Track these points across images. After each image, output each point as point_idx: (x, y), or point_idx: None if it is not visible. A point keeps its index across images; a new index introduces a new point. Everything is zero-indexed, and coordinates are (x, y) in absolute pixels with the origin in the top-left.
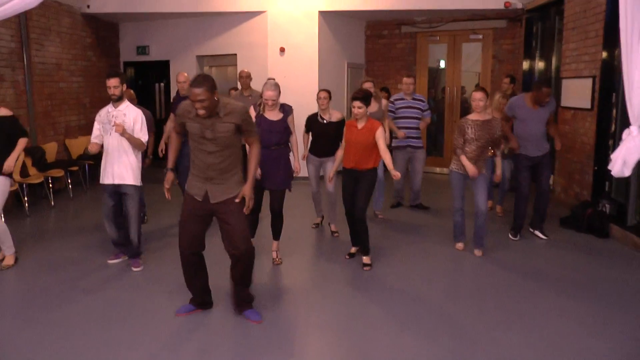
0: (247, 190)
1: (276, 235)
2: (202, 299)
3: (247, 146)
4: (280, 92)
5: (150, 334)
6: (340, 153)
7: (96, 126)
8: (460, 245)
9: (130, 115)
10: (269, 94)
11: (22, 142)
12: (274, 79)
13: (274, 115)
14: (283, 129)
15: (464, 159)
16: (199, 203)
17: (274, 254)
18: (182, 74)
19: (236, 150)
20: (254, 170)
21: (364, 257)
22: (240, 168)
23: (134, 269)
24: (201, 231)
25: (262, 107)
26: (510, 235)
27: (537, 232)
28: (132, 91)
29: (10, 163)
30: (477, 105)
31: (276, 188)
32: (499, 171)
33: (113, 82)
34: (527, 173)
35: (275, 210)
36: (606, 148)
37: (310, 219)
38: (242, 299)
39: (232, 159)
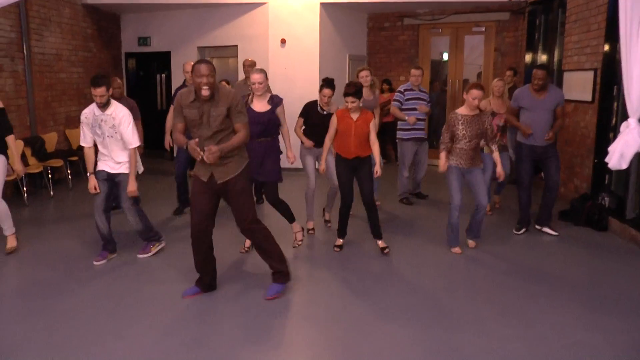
0: (214, 147)
1: (289, 219)
2: (208, 281)
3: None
4: (267, 77)
5: (141, 325)
6: (328, 143)
7: (84, 130)
8: (457, 250)
9: (118, 117)
10: (255, 77)
11: (12, 139)
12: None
13: (261, 106)
14: (267, 121)
15: (443, 155)
16: (206, 185)
17: (294, 235)
18: (189, 63)
19: (229, 133)
20: (230, 145)
21: (379, 242)
22: (242, 149)
23: (140, 256)
24: (210, 209)
25: (250, 97)
26: (514, 230)
27: (546, 229)
28: (119, 80)
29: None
30: (472, 103)
31: (266, 180)
32: (499, 168)
33: (100, 92)
34: (529, 164)
35: (271, 201)
36: (607, 141)
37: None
38: (275, 271)
39: (226, 142)
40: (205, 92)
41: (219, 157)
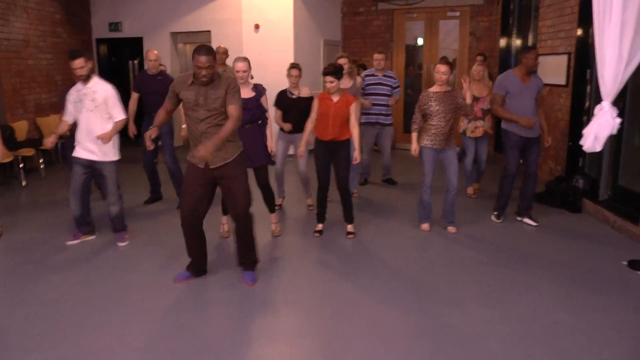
0: (203, 148)
1: (271, 208)
2: (198, 266)
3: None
4: (250, 65)
5: (121, 314)
6: (309, 126)
7: (68, 106)
8: (426, 226)
9: (100, 92)
10: (239, 65)
11: None
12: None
13: (245, 92)
14: (256, 107)
15: (414, 136)
16: (200, 170)
17: (273, 226)
18: (152, 51)
19: (224, 117)
20: (220, 137)
21: (348, 226)
22: (235, 135)
23: (120, 244)
24: (202, 197)
25: None
26: (493, 218)
27: (526, 220)
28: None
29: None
30: (440, 77)
31: (258, 164)
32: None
33: (78, 63)
34: (516, 152)
35: (262, 184)
36: (580, 124)
37: (292, 197)
38: (245, 259)
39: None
40: (204, 79)
41: (211, 152)
